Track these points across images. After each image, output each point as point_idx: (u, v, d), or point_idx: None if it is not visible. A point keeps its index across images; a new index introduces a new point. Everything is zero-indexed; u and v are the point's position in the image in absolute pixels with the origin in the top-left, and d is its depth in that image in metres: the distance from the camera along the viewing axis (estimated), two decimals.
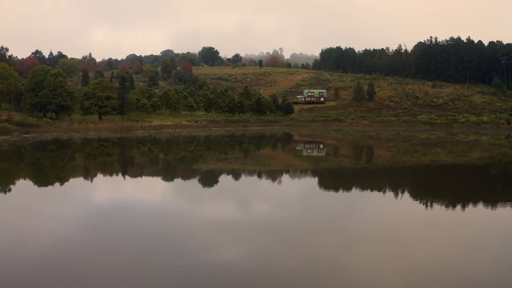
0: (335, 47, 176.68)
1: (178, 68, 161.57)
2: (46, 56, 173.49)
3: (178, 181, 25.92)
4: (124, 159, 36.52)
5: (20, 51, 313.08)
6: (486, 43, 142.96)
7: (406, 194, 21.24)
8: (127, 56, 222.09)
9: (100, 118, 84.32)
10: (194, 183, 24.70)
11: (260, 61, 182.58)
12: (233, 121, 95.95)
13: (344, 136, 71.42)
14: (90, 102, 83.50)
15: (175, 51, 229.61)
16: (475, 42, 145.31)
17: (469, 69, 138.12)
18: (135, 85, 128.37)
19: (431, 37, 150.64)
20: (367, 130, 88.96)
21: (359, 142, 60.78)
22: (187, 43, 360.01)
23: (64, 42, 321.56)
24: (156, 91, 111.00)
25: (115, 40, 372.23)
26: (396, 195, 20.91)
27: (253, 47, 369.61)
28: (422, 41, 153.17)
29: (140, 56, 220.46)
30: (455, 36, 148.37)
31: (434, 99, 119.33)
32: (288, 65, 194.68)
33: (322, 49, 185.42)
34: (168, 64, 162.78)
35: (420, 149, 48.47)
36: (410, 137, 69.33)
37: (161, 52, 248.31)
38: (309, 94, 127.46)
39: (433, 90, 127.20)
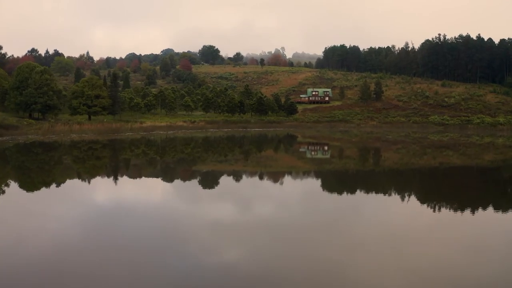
0: (339, 45, 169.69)
1: (177, 66, 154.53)
2: (43, 55, 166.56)
3: (177, 182, 25.05)
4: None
5: (20, 50, 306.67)
6: (496, 40, 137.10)
7: (411, 197, 20.89)
8: (127, 55, 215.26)
9: (89, 118, 77.93)
10: (193, 188, 23.89)
11: (262, 60, 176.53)
12: (232, 121, 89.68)
13: (350, 138, 68.99)
14: (78, 102, 77.56)
15: (176, 50, 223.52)
16: (485, 39, 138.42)
17: (479, 68, 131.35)
18: (132, 84, 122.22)
19: (439, 34, 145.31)
20: (375, 132, 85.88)
21: (366, 144, 58.37)
22: (188, 43, 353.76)
23: (65, 42, 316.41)
24: (153, 90, 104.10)
25: (116, 39, 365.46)
26: (402, 198, 20.54)
27: (254, 46, 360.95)
28: (430, 39, 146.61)
29: (140, 55, 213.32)
30: (464, 34, 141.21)
31: (446, 99, 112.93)
32: (290, 64, 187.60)
33: (326, 47, 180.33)
34: (167, 63, 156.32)
35: (430, 151, 46.79)
36: (420, 139, 66.44)
37: (162, 51, 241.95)
38: (314, 93, 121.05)
39: (444, 89, 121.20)
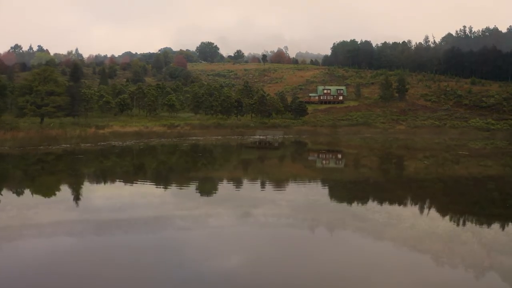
0: (349, 40, 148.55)
1: (172, 64, 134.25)
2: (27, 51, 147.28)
3: None
4: None
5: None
6: None
7: (431, 210, 17.84)
8: (123, 53, 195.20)
9: (42, 121, 57.30)
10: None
11: (264, 56, 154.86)
12: (227, 125, 68.44)
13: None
14: (25, 100, 56.18)
15: (174, 49, 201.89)
16: None
17: (510, 64, 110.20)
18: (118, 81, 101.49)
19: (464, 26, 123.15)
20: (401, 138, 68.38)
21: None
22: (187, 42, 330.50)
23: (65, 42, 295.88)
24: (133, 87, 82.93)
25: (115, 39, 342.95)
26: (406, 207, 18.34)
27: (256, 46, 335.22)
28: (453, 33, 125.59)
29: (136, 53, 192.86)
30: (491, 26, 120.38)
31: (484, 99, 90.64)
32: (295, 61, 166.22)
33: (334, 43, 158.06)
34: (160, 59, 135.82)
35: (464, 160, 38.81)
36: (456, 146, 53.66)
37: (159, 50, 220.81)
38: (325, 91, 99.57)
39: (476, 88, 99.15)
